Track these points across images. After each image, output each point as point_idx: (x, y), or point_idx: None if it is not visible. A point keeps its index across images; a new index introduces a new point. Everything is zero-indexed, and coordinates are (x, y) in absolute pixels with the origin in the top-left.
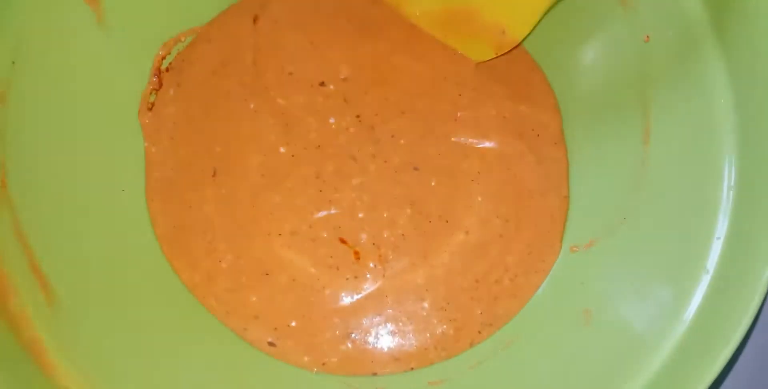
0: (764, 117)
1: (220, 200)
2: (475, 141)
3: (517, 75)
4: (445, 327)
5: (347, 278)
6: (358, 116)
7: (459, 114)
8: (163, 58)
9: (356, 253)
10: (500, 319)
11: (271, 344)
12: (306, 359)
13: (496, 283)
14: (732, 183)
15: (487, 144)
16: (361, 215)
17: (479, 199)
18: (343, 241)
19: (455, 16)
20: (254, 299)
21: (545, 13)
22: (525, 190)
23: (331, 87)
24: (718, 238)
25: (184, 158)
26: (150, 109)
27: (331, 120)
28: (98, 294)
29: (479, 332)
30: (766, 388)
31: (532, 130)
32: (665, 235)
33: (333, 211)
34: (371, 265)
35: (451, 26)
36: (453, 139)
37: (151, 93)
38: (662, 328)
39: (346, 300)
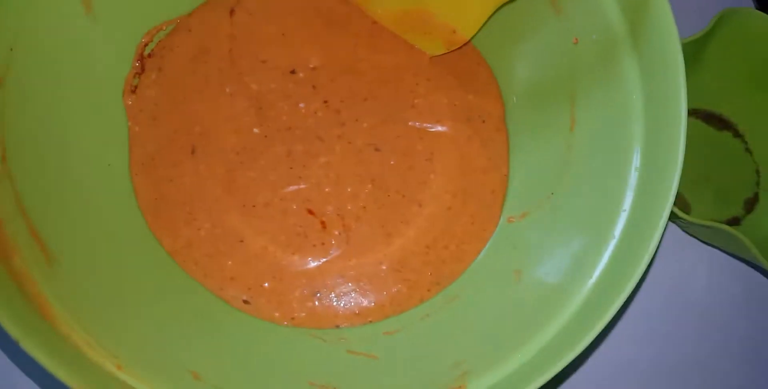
0: (666, 112)
1: (198, 175)
2: (429, 125)
3: (467, 68)
4: (399, 286)
5: (314, 245)
6: (325, 102)
7: (415, 101)
8: (146, 45)
9: (323, 223)
10: (446, 279)
11: (245, 302)
12: (277, 314)
13: (444, 249)
14: (638, 165)
15: (440, 128)
16: (327, 190)
17: (432, 176)
18: (311, 212)
19: (411, 17)
20: (230, 263)
21: (491, 17)
22: (470, 169)
23: (301, 75)
24: (624, 210)
25: (165, 137)
26: (133, 91)
27: (301, 105)
28: (90, 257)
29: (428, 290)
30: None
31: (479, 116)
32: (583, 208)
33: (302, 186)
34: (336, 233)
35: (408, 25)
36: (410, 123)
37: (134, 77)
38: (576, 282)
39: (313, 263)
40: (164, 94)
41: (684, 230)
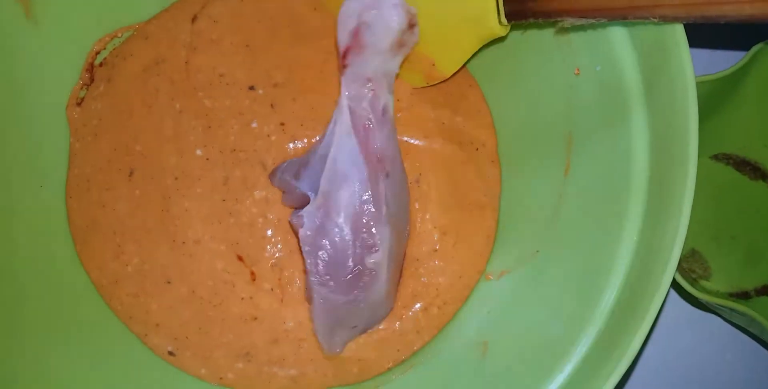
0: (673, 166)
1: (132, 201)
2: (416, 141)
3: (455, 87)
4: (349, 360)
5: (242, 298)
6: (282, 124)
7: (398, 115)
8: (98, 53)
9: (252, 274)
10: (412, 349)
11: (170, 353)
12: (203, 371)
13: (423, 311)
14: (635, 237)
15: (429, 144)
16: (265, 233)
17: (417, 205)
18: (240, 259)
19: None
20: (155, 306)
21: (472, 56)
22: (466, 201)
23: (261, 92)
24: (612, 290)
25: (104, 156)
26: (79, 104)
27: (254, 124)
28: (10, 287)
29: (388, 368)
30: None
31: (471, 143)
32: (566, 277)
33: (232, 224)
34: (268, 288)
35: None
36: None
37: (82, 88)
38: (544, 376)
39: (241, 319)
40: (110, 108)
41: (696, 304)
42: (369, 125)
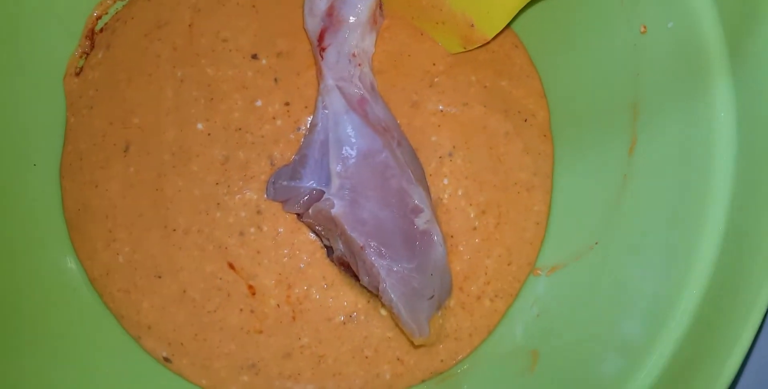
0: None
1: (126, 180)
2: (452, 109)
3: (498, 46)
4: (383, 370)
5: (241, 309)
6: (287, 104)
7: (435, 80)
8: (99, 18)
9: (251, 288)
10: (448, 361)
11: (166, 359)
12: (204, 382)
13: (477, 300)
14: (720, 221)
15: (467, 112)
16: (261, 247)
17: (444, 181)
18: (231, 266)
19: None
20: (146, 305)
21: (519, 12)
22: (510, 179)
23: (264, 62)
24: (693, 291)
25: (100, 130)
26: (77, 74)
27: (258, 103)
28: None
29: (422, 380)
30: None
31: (519, 112)
32: (634, 274)
33: (219, 218)
34: (274, 304)
35: (418, 8)
36: (429, 106)
37: (81, 56)
38: None
39: (242, 330)
40: (107, 77)
41: None
42: (364, 98)
